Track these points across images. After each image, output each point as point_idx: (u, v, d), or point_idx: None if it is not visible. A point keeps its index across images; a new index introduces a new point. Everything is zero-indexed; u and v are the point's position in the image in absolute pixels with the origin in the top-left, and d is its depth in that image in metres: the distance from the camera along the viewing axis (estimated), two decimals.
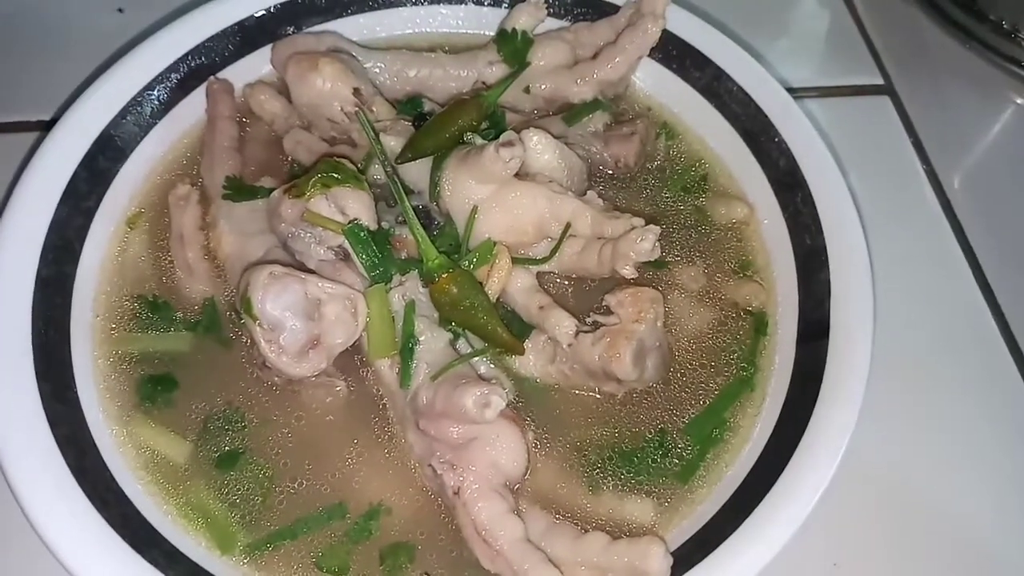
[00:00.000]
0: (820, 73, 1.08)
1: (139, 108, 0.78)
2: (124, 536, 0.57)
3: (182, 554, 0.59)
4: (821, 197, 0.72)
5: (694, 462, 0.66)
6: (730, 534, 0.58)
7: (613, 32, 0.83)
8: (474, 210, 0.69)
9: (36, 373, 0.63)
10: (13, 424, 0.60)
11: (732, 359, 0.71)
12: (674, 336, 0.72)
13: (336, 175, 0.67)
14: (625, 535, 0.62)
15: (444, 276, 0.66)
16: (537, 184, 0.70)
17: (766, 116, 0.78)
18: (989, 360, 0.83)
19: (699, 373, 0.70)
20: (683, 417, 0.68)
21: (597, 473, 0.66)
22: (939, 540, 0.71)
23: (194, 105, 0.81)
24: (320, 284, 0.64)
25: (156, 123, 0.79)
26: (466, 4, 0.89)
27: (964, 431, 0.78)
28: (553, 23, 0.87)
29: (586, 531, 0.60)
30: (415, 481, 0.64)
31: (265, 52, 0.84)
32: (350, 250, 0.67)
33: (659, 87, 0.85)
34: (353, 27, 0.87)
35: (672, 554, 0.57)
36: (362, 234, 0.66)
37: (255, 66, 0.85)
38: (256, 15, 0.84)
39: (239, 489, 0.64)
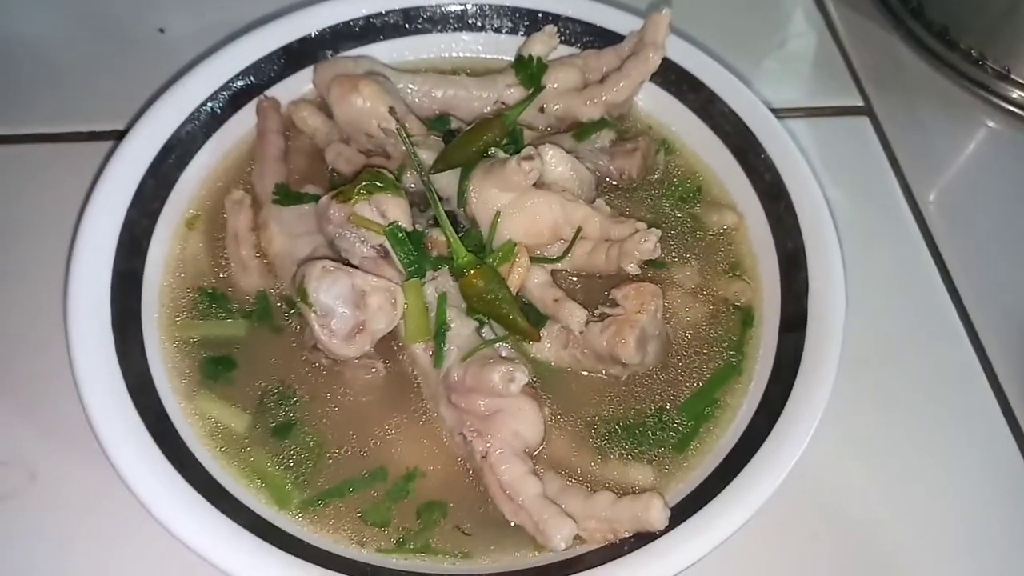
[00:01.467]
0: (805, 95, 1.18)
1: (197, 122, 0.87)
2: (200, 491, 0.66)
3: (246, 507, 0.68)
4: (801, 206, 0.82)
5: (689, 435, 0.75)
6: (718, 493, 0.67)
7: (618, 59, 0.93)
8: (497, 215, 0.79)
9: (117, 353, 0.73)
10: (103, 396, 0.69)
11: (722, 347, 0.80)
12: (672, 327, 0.81)
13: (378, 183, 0.77)
14: (630, 495, 0.71)
15: (472, 272, 0.75)
16: (552, 192, 0.80)
17: (753, 135, 0.87)
18: (956, 362, 0.91)
19: (694, 359, 0.80)
20: (679, 397, 0.77)
21: (604, 444, 0.75)
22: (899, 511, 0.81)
23: (244, 119, 0.91)
24: (365, 278, 0.74)
25: (212, 135, 0.88)
26: (486, 31, 0.99)
27: (930, 430, 0.86)
28: (565, 50, 0.97)
29: (595, 492, 0.69)
30: (447, 449, 0.73)
31: (307, 72, 0.94)
32: (390, 249, 0.76)
33: (659, 107, 0.95)
34: (386, 51, 0.97)
35: (670, 512, 0.66)
36: (400, 235, 0.76)
37: (298, 85, 0.94)
38: (299, 39, 0.94)
39: (293, 455, 0.73)
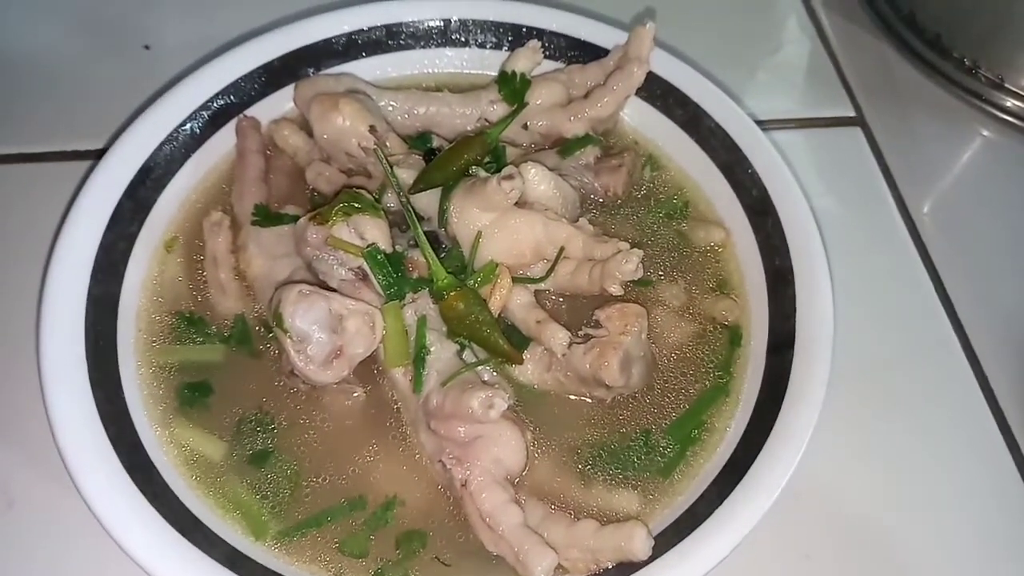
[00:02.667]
0: (796, 105, 1.16)
1: (175, 142, 0.86)
2: (172, 523, 0.65)
3: (221, 539, 0.67)
4: (789, 223, 0.81)
5: (674, 459, 0.73)
6: (703, 521, 0.65)
7: (603, 73, 0.92)
8: (478, 235, 0.77)
9: (90, 380, 0.71)
10: (73, 425, 0.68)
11: (709, 368, 0.79)
12: (658, 347, 0.80)
13: (356, 204, 0.75)
14: (613, 523, 0.70)
15: (452, 294, 0.74)
16: (534, 212, 0.78)
17: (740, 150, 0.86)
18: (949, 373, 0.90)
19: (680, 380, 0.78)
20: (665, 419, 0.76)
21: (588, 469, 0.73)
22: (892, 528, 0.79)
23: (223, 139, 0.90)
24: (342, 301, 0.73)
25: (190, 155, 0.87)
26: (469, 47, 0.98)
27: (924, 442, 0.85)
28: (549, 65, 0.96)
29: (578, 519, 0.68)
30: (426, 476, 0.72)
31: (288, 91, 0.93)
32: (368, 271, 0.75)
33: (644, 122, 0.94)
34: (367, 68, 0.96)
35: (654, 539, 0.65)
36: (379, 256, 0.75)
37: (279, 103, 0.93)
38: (280, 57, 0.93)
39: (269, 483, 0.71)
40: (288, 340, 0.71)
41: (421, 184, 0.80)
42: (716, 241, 0.86)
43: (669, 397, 0.77)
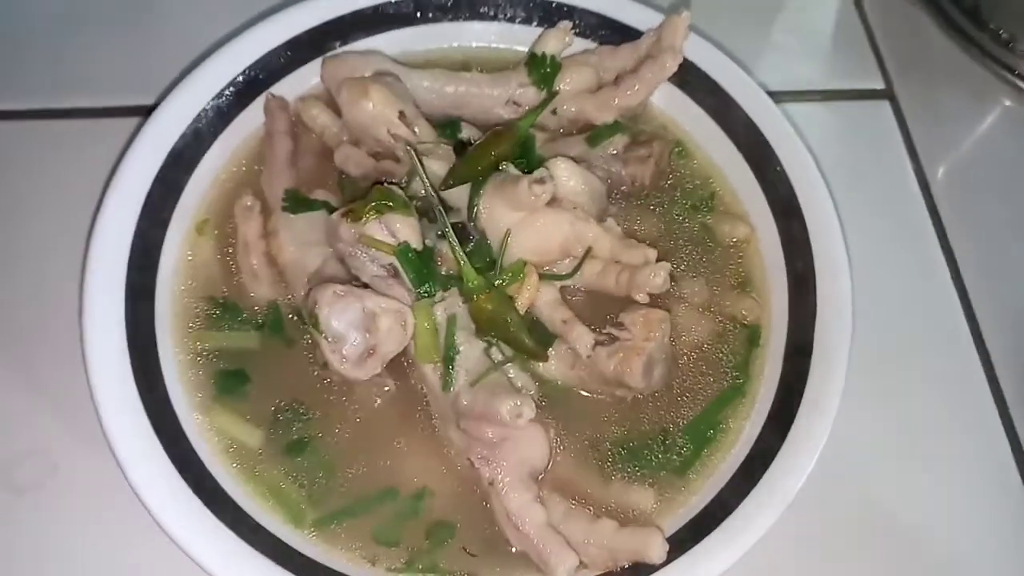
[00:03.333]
0: (823, 74, 1.15)
1: (203, 122, 0.86)
2: (215, 512, 0.69)
3: (264, 529, 0.71)
4: (814, 228, 0.81)
5: (690, 459, 0.77)
6: (716, 526, 0.69)
7: (634, 58, 0.90)
8: (507, 233, 0.79)
9: (132, 369, 0.74)
10: (120, 415, 0.71)
11: (727, 367, 0.81)
12: (677, 345, 0.82)
13: (388, 203, 0.76)
14: (631, 519, 0.74)
15: (482, 297, 0.76)
16: (563, 210, 0.79)
17: (770, 146, 0.86)
18: (956, 360, 0.93)
19: (698, 380, 0.81)
20: (683, 418, 0.79)
21: (608, 465, 0.77)
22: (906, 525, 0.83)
23: (251, 116, 0.89)
24: (375, 300, 0.75)
25: (218, 135, 0.87)
26: (499, 21, 0.96)
27: (930, 429, 0.88)
28: (579, 43, 0.94)
29: (599, 516, 0.72)
30: (455, 469, 0.75)
31: (315, 65, 0.92)
32: (399, 268, 0.77)
33: (674, 107, 0.93)
34: (395, 40, 0.94)
35: (669, 540, 0.69)
36: (410, 255, 0.76)
37: (307, 77, 0.92)
38: (306, 31, 0.91)
39: (306, 473, 0.75)
40: (324, 341, 0.73)
41: (451, 180, 0.80)
42: (740, 237, 0.87)
43: (687, 396, 0.80)
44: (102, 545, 0.78)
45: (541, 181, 0.75)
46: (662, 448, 0.77)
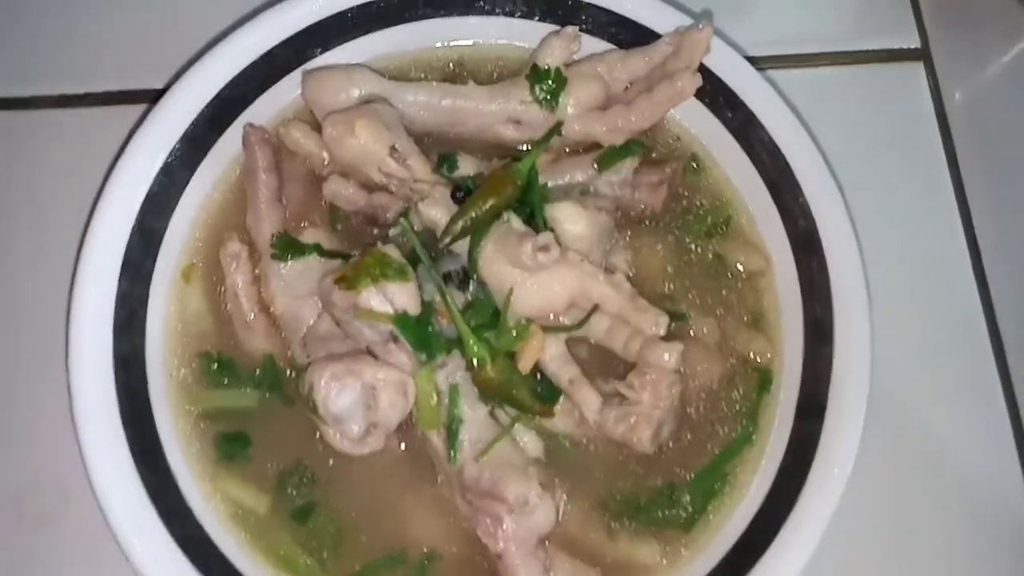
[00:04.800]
0: (851, 30, 1.04)
1: (178, 160, 0.80)
2: None
3: None
4: (836, 271, 0.77)
5: (695, 514, 0.77)
6: None
7: (646, 65, 0.82)
8: (510, 291, 0.74)
9: (130, 448, 0.73)
10: (120, 501, 0.71)
11: (736, 414, 0.80)
12: (686, 388, 0.80)
13: (383, 270, 0.72)
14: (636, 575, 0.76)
15: (485, 367, 0.73)
16: (569, 265, 0.75)
17: (792, 173, 0.80)
18: (973, 353, 0.90)
19: (706, 429, 0.79)
20: (690, 470, 0.78)
21: (614, 521, 0.77)
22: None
23: (229, 143, 0.82)
24: (374, 372, 0.72)
25: (195, 170, 0.81)
26: (496, 15, 0.86)
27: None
28: (587, 41, 0.84)
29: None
30: (462, 530, 0.76)
31: (294, 77, 0.83)
32: (398, 335, 0.73)
33: (690, 118, 0.85)
34: (383, 41, 0.86)
35: None
36: (409, 322, 0.72)
37: (285, 92, 0.84)
38: (282, 40, 0.82)
39: (315, 539, 0.75)
40: (324, 425, 0.71)
41: (450, 236, 0.75)
42: (755, 269, 0.83)
43: (694, 447, 0.79)
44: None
45: (546, 248, 0.70)
46: (669, 503, 0.77)
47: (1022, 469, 0.87)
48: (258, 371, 0.79)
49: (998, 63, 1.06)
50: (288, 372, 0.79)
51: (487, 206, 0.75)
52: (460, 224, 0.75)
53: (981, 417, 0.89)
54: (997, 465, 0.87)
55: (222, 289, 0.81)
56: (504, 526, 0.71)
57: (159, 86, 0.91)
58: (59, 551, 0.81)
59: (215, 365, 0.79)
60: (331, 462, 0.77)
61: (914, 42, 1.05)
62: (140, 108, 0.92)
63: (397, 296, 0.72)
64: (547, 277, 0.74)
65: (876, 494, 0.83)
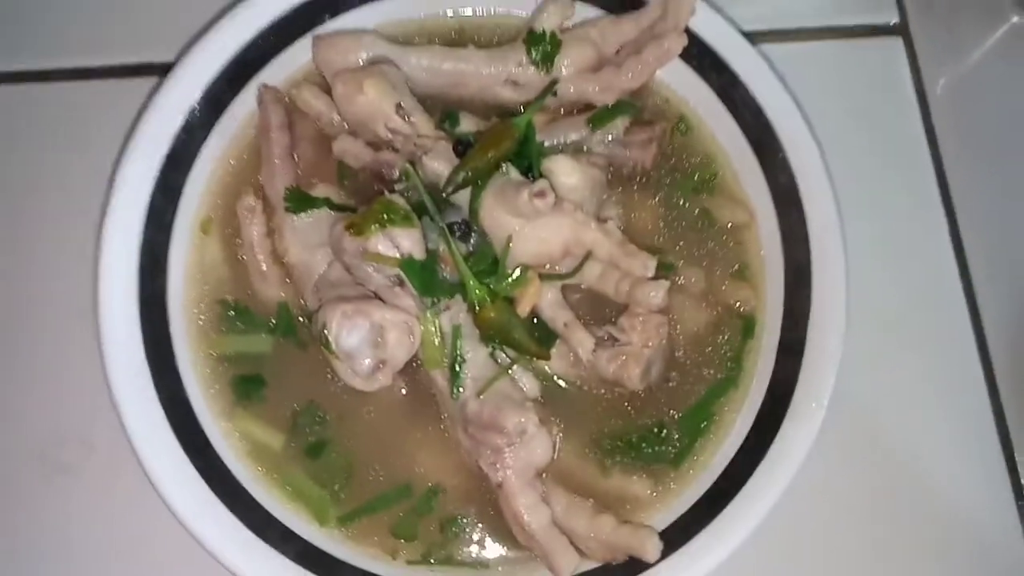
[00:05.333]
0: (836, 10, 1.09)
1: (197, 119, 0.85)
2: (247, 523, 0.75)
3: (292, 532, 0.77)
4: (814, 222, 0.82)
5: (684, 451, 0.82)
6: (705, 526, 0.76)
7: (636, 29, 0.87)
8: (509, 239, 0.79)
9: (154, 385, 0.78)
10: (147, 434, 0.76)
11: (722, 358, 0.85)
12: (675, 336, 0.85)
13: (391, 216, 0.77)
14: (628, 508, 0.80)
15: (485, 307, 0.78)
16: (564, 214, 0.79)
17: (774, 131, 0.84)
18: (950, 327, 0.96)
19: (693, 372, 0.84)
20: (678, 410, 0.83)
21: (607, 458, 0.82)
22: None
23: (243, 103, 0.87)
24: (382, 313, 0.77)
25: (213, 128, 0.86)
26: None
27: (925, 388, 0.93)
28: (580, 8, 0.90)
29: (599, 511, 0.78)
30: (464, 465, 0.81)
31: (305, 42, 0.88)
32: (404, 279, 0.78)
33: (678, 80, 0.90)
34: (390, 9, 0.90)
35: (662, 535, 0.76)
36: (414, 266, 0.77)
37: (296, 56, 0.89)
38: (294, 6, 0.87)
39: (327, 473, 0.80)
40: (336, 360, 0.76)
41: (451, 186, 0.80)
42: (740, 221, 0.88)
43: (683, 388, 0.84)
44: (143, 517, 0.83)
45: (542, 195, 0.75)
46: (658, 440, 0.82)
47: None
48: (272, 320, 0.84)
49: (977, 42, 1.10)
50: (301, 318, 0.84)
51: (487, 157, 0.80)
52: (462, 174, 0.80)
53: (951, 364, 0.94)
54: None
55: (238, 241, 0.86)
56: (504, 457, 0.76)
57: (170, 59, 0.95)
58: (78, 499, 0.86)
59: (232, 312, 0.84)
60: (342, 402, 0.82)
61: (893, 18, 1.10)
62: (151, 80, 0.97)
63: (403, 241, 0.77)
64: (543, 225, 0.79)
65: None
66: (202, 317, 0.84)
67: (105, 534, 0.85)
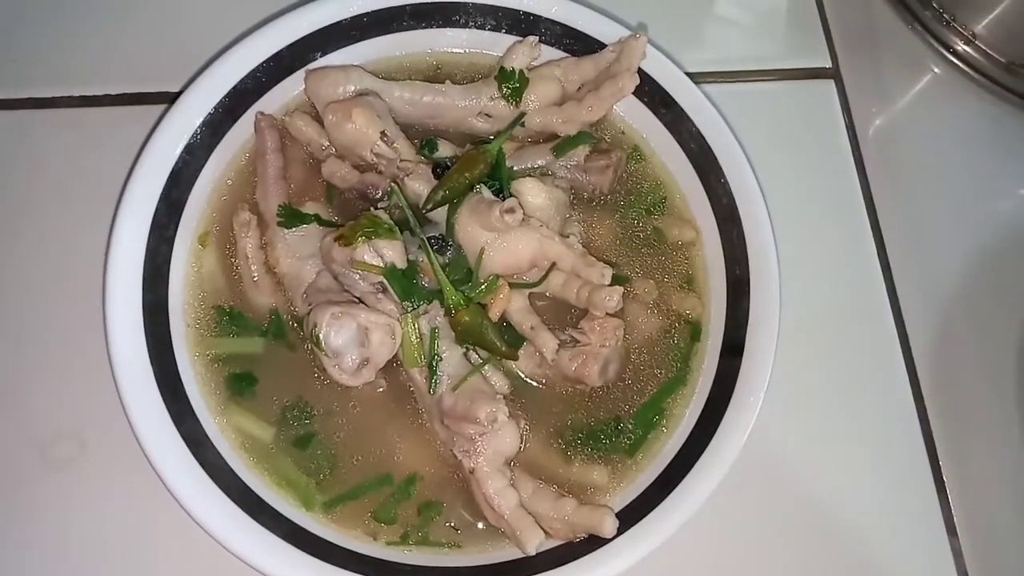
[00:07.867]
0: (777, 51, 1.22)
1: (199, 142, 0.93)
2: (245, 509, 0.82)
3: (281, 515, 0.84)
4: (751, 238, 0.92)
5: (638, 441, 0.91)
6: (659, 503, 0.84)
7: (595, 69, 0.98)
8: (482, 251, 0.89)
9: (157, 383, 0.85)
10: (151, 428, 0.83)
11: (672, 359, 0.94)
12: (629, 339, 0.94)
13: (375, 229, 0.86)
14: (588, 493, 0.89)
15: (460, 311, 0.87)
16: (531, 229, 0.89)
17: (716, 159, 0.95)
18: (877, 338, 1.05)
19: (646, 372, 0.94)
20: (632, 406, 0.92)
21: (569, 448, 0.91)
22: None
23: (240, 131, 0.96)
24: (367, 315, 0.86)
25: (213, 150, 0.95)
26: (469, 28, 1.02)
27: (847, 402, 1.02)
28: (545, 50, 1.01)
29: (562, 495, 0.86)
30: (440, 455, 0.89)
31: (298, 76, 0.98)
32: (387, 286, 0.87)
33: (632, 114, 1.01)
34: (373, 49, 1.01)
35: (619, 515, 0.84)
36: (396, 274, 0.86)
37: (289, 88, 0.99)
38: (288, 43, 0.97)
39: (313, 463, 0.88)
40: (325, 357, 0.84)
41: (430, 204, 0.90)
42: (687, 240, 0.98)
43: (637, 386, 0.93)
44: (137, 512, 0.91)
45: (511, 211, 0.85)
46: (615, 433, 0.91)
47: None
48: (264, 324, 0.92)
49: (902, 89, 1.23)
50: (291, 323, 0.92)
51: (462, 179, 0.90)
52: (440, 194, 0.90)
53: (878, 369, 1.05)
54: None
55: (233, 251, 0.94)
56: (477, 445, 0.85)
57: (174, 90, 1.04)
58: (74, 491, 0.92)
59: (227, 317, 0.92)
60: (327, 398, 0.90)
61: (826, 63, 1.23)
62: (157, 109, 1.05)
63: (386, 251, 0.86)
64: (512, 239, 0.89)
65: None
66: (200, 321, 0.92)
67: (104, 528, 0.91)
